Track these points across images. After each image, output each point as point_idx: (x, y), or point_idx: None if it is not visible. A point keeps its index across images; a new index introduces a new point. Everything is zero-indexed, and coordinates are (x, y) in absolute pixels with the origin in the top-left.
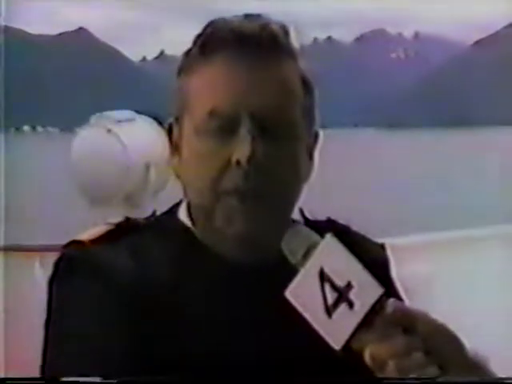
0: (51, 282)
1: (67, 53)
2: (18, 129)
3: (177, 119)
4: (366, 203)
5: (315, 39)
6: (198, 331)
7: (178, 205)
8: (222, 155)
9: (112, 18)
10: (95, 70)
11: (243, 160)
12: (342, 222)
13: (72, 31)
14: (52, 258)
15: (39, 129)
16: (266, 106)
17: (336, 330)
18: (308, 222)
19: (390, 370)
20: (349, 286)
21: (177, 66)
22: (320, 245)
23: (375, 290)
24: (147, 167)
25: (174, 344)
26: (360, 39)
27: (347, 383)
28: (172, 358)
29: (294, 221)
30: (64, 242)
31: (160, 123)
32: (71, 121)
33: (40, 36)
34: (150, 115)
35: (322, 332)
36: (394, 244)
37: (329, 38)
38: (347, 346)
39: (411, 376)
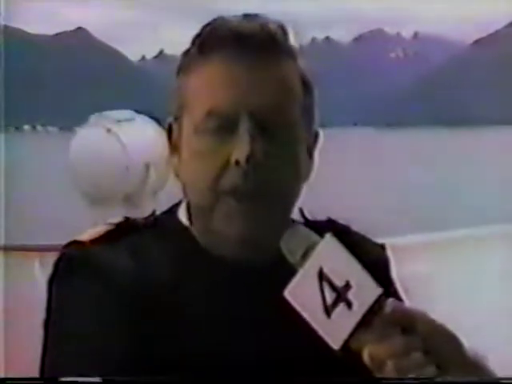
0: (51, 281)
1: (66, 52)
2: (17, 128)
3: (176, 119)
4: (366, 202)
5: (314, 39)
6: (197, 331)
7: (177, 205)
8: (221, 155)
9: (111, 17)
10: (95, 70)
11: (242, 160)
12: (341, 222)
13: (71, 31)
14: (52, 258)
15: (39, 128)
16: (265, 106)
17: (335, 330)
18: (308, 222)
19: (389, 370)
20: (347, 285)
21: (176, 65)
22: (319, 245)
23: (374, 290)
24: (147, 167)
25: (174, 344)
26: (359, 39)
27: (346, 383)
28: (172, 358)
29: (293, 221)
30: (64, 242)
31: (159, 123)
32: (71, 120)
33: (39, 36)
34: (149, 115)
35: (320, 332)
36: (394, 244)
37: (327, 37)
38: (346, 345)
39: (410, 376)
